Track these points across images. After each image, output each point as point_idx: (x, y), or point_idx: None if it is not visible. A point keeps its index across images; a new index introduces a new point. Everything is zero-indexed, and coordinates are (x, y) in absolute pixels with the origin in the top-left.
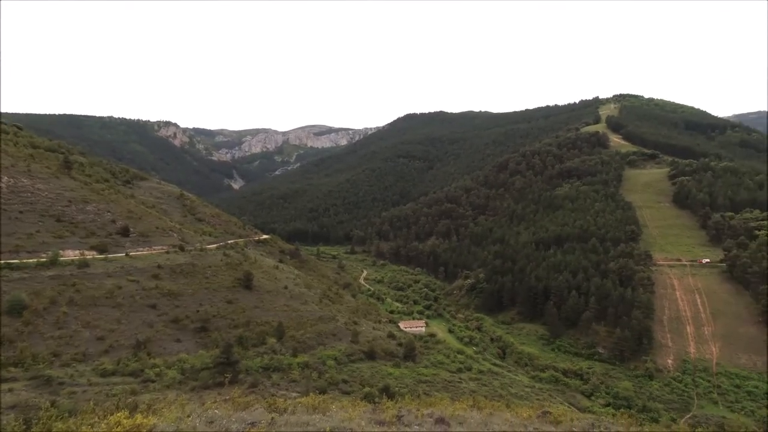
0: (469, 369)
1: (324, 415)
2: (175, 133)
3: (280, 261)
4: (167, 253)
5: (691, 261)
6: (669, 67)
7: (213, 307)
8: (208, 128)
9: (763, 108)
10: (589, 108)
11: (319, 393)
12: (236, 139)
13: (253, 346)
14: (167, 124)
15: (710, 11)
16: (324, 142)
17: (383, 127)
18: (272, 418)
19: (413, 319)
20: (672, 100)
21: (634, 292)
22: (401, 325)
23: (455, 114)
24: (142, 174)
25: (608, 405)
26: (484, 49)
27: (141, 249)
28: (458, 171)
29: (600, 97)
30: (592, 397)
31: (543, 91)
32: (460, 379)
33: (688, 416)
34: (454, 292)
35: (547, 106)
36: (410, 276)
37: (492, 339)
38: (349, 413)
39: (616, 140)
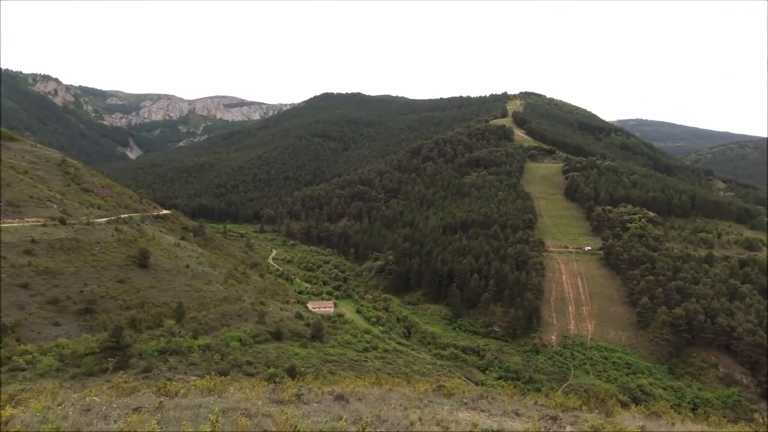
0: (375, 348)
1: (220, 396)
2: (56, 90)
3: (182, 238)
4: (44, 226)
5: (576, 248)
6: (568, 70)
7: (101, 287)
8: (98, 88)
9: (640, 116)
10: (498, 102)
11: (221, 375)
12: (133, 103)
13: (148, 329)
14: (46, 78)
15: (607, 27)
16: (235, 115)
17: (299, 104)
18: (160, 403)
19: (322, 299)
20: (569, 102)
21: (527, 275)
22: (310, 305)
23: (373, 97)
24: (12, 134)
25: (500, 378)
26: (404, 37)
27: (10, 220)
28: (373, 154)
29: (508, 93)
30: (487, 372)
31: (457, 82)
32: (366, 358)
33: (565, 385)
34: (364, 273)
35: (461, 97)
36: (320, 257)
37: (398, 319)
38: (247, 394)
39: (520, 134)
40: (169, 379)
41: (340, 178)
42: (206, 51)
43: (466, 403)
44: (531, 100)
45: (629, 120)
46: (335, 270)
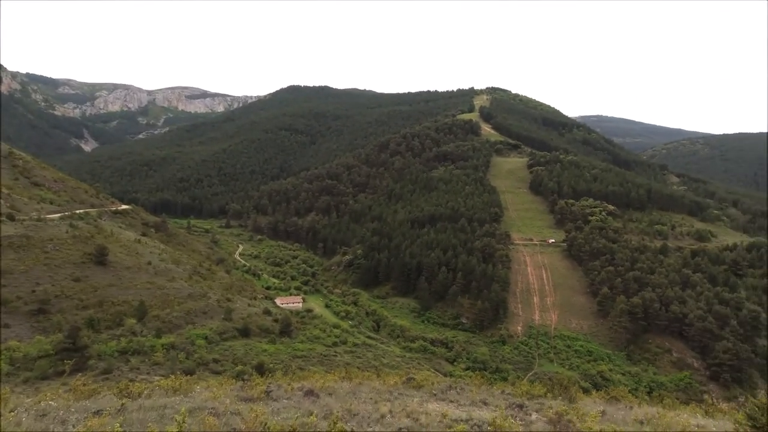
0: (345, 342)
1: (186, 396)
2: None
3: (143, 234)
4: None
5: (541, 240)
6: (533, 67)
7: (55, 287)
8: (48, 76)
9: (600, 113)
10: (465, 97)
11: (186, 374)
12: (87, 92)
13: (108, 329)
14: None
15: (569, 26)
16: (198, 107)
17: (265, 96)
18: (122, 404)
19: (290, 295)
20: (533, 98)
21: (494, 267)
22: (278, 301)
23: (340, 90)
24: None
25: (468, 368)
26: (372, 31)
27: None
28: (341, 148)
29: (475, 88)
30: (455, 363)
31: (425, 76)
32: (336, 352)
33: (530, 373)
34: (332, 267)
35: (428, 92)
36: (288, 251)
37: (367, 313)
38: (214, 392)
39: (486, 129)
40: (131, 380)
41: (308, 172)
42: (167, 40)
43: (435, 395)
44: (497, 95)
45: (591, 116)
46: (303, 265)
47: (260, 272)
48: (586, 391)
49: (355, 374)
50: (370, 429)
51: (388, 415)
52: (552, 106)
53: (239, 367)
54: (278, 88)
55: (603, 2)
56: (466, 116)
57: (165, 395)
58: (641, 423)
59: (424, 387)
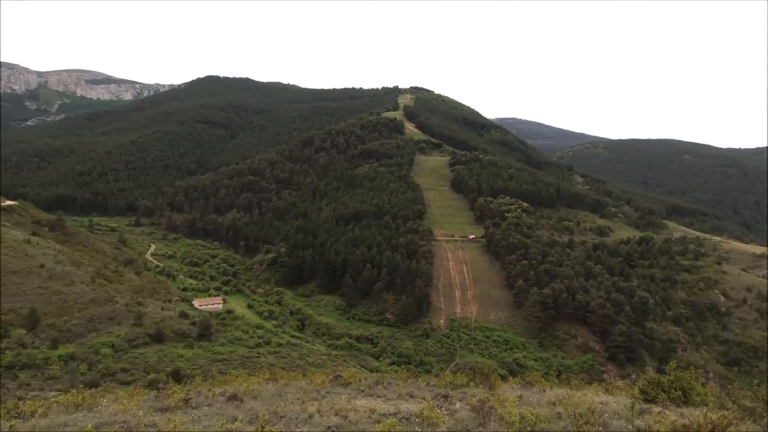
0: (269, 343)
1: (90, 411)
2: None
3: (34, 234)
4: None
5: (462, 237)
6: (455, 69)
7: None
8: None
9: (516, 115)
10: (389, 95)
11: (89, 387)
12: None
13: None
14: None
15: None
16: (101, 93)
17: (179, 86)
18: (11, 427)
19: (209, 296)
20: (455, 99)
21: (418, 263)
22: (196, 303)
23: (263, 83)
24: None
25: (393, 363)
26: (296, 23)
27: None
28: (263, 143)
29: (400, 87)
30: (381, 358)
31: (350, 73)
32: (259, 353)
33: (453, 364)
34: (255, 266)
35: (353, 88)
36: (207, 251)
37: (292, 312)
38: (125, 405)
39: (410, 128)
40: (20, 398)
41: (228, 167)
42: (63, 16)
43: (363, 391)
44: (421, 95)
45: (507, 118)
46: (224, 264)
47: (176, 273)
48: (503, 378)
49: (280, 375)
50: (299, 430)
51: (317, 415)
52: (472, 107)
53: (152, 376)
54: (195, 78)
55: (523, 7)
56: (391, 114)
57: (65, 412)
58: (554, 404)
59: (351, 384)
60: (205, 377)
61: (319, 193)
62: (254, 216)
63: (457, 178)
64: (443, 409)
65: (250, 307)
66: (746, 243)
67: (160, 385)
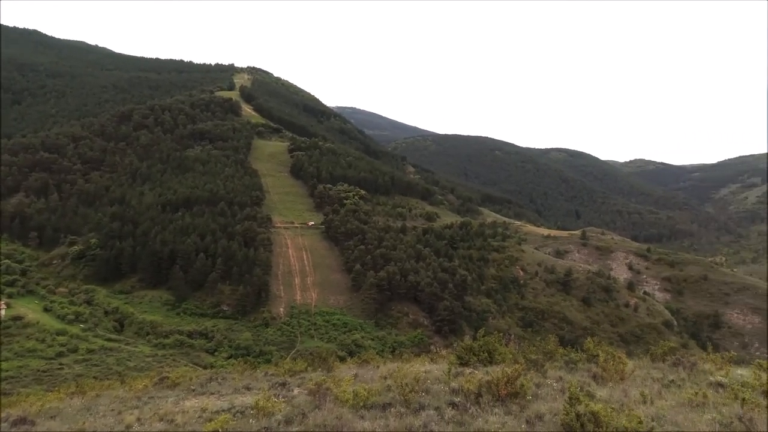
0: (75, 350)
1: None
2: None
3: None
4: None
5: (302, 223)
6: (295, 51)
7: None
8: None
9: (354, 105)
10: (224, 73)
11: None
12: None
13: None
14: None
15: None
16: None
17: None
18: None
19: None
20: (295, 83)
21: (256, 251)
22: None
23: (60, 40)
24: None
25: (230, 357)
26: None
27: None
28: (62, 113)
29: (236, 65)
30: (216, 353)
31: (178, 43)
32: (62, 364)
33: (293, 351)
34: (54, 262)
35: (182, 61)
36: None
37: (107, 312)
38: None
39: (247, 110)
40: None
41: (11, 140)
42: None
43: (194, 390)
44: (259, 76)
45: (346, 107)
46: (7, 261)
47: None
48: (342, 359)
49: (90, 386)
50: None
51: (136, 424)
52: (312, 94)
53: None
54: None
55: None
56: (226, 94)
57: None
58: (385, 378)
59: (180, 384)
60: None
61: (141, 177)
62: (52, 201)
63: (297, 165)
64: (280, 396)
65: (47, 310)
66: (538, 226)
67: None
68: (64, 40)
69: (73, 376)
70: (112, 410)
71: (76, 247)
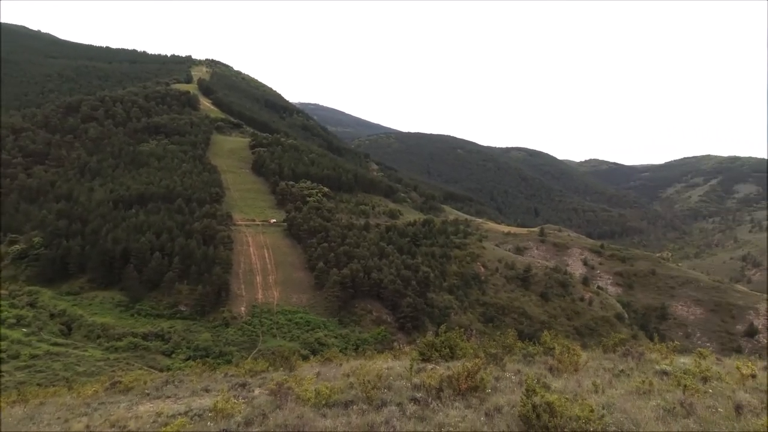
0: (17, 357)
1: None
2: None
3: None
4: None
5: (263, 221)
6: (255, 45)
7: None
8: None
9: (317, 101)
10: (181, 65)
11: None
12: None
13: None
14: None
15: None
16: None
17: None
18: None
19: None
20: (256, 78)
21: (215, 250)
22: None
23: None
24: None
25: (189, 358)
26: None
27: None
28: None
29: (193, 57)
30: (173, 355)
31: (130, 32)
32: (1, 372)
33: (255, 351)
34: None
35: (135, 51)
36: None
37: (53, 315)
38: None
39: (206, 104)
40: None
41: None
42: None
43: (148, 394)
44: (218, 69)
45: (309, 104)
46: None
47: None
48: (305, 358)
49: (33, 394)
50: None
51: None
52: (274, 89)
53: None
54: None
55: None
56: (183, 87)
57: None
58: (348, 376)
59: (134, 389)
60: None
61: (90, 172)
62: None
63: (258, 161)
64: (240, 398)
65: None
66: (499, 224)
67: None
68: (2, 24)
69: (14, 384)
70: (58, 418)
71: (17, 246)
